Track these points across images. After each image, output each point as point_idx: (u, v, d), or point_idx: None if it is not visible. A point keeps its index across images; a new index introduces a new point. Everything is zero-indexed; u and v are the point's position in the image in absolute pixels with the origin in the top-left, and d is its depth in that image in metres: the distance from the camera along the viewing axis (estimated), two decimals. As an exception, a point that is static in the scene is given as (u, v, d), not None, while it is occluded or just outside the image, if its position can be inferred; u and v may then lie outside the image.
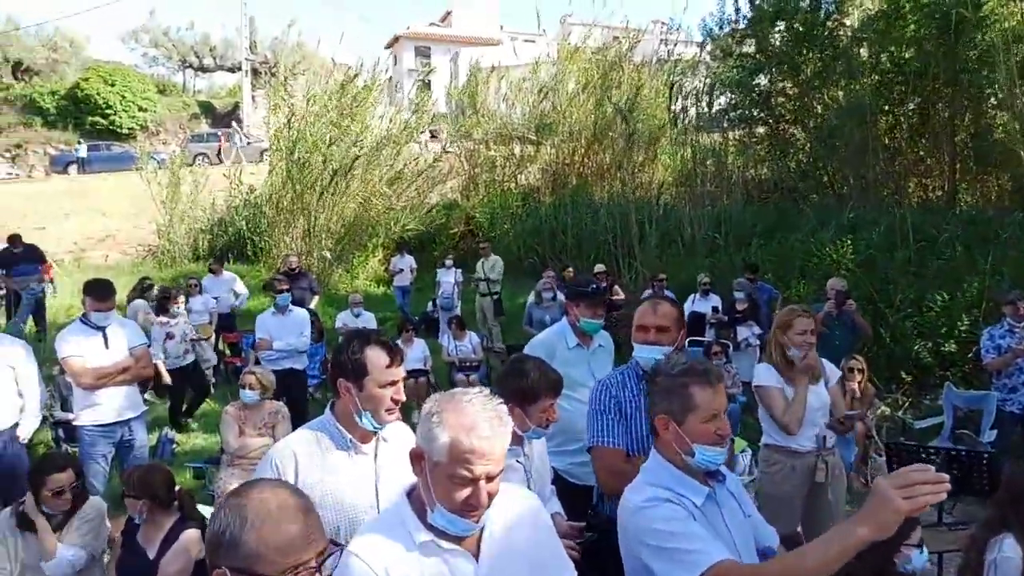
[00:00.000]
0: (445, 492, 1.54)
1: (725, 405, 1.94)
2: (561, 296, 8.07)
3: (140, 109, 30.20)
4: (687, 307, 8.88)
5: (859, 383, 5.85)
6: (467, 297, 11.41)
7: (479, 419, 1.53)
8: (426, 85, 19.13)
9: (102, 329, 4.61)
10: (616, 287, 10.22)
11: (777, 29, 13.00)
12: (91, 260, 16.53)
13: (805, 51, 12.54)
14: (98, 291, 4.63)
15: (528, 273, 12.94)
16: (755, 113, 13.90)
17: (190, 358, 7.55)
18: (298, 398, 6.67)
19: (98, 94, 29.15)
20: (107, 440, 4.67)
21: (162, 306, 7.67)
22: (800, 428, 3.41)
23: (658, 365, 2.07)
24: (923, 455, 4.39)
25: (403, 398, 2.18)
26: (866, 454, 6.00)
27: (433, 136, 19.41)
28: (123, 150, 25.06)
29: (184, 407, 7.60)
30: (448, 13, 48.47)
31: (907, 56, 11.57)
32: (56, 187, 19.87)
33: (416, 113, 16.23)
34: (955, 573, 3.08)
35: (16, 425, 4.43)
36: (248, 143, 24.86)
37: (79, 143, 26.32)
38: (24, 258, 10.11)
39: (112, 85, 29.53)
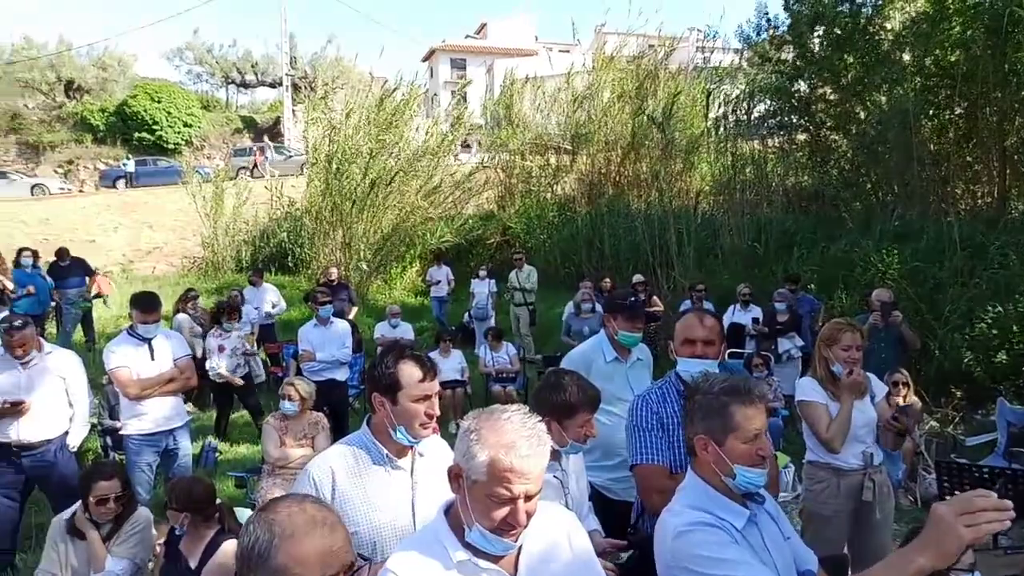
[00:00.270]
0: (483, 511, 1.54)
1: (765, 424, 1.90)
2: (600, 307, 8.04)
3: (185, 125, 31.02)
4: (727, 318, 8.76)
5: (904, 397, 5.68)
6: (502, 307, 11.44)
7: (518, 438, 1.52)
8: (463, 98, 19.29)
9: (148, 341, 4.73)
10: (655, 298, 10.14)
11: (816, 34, 12.79)
12: (139, 272, 17.02)
13: (845, 56, 12.31)
14: (144, 304, 4.76)
15: (564, 283, 12.92)
16: (795, 120, 13.67)
17: (242, 372, 7.63)
18: (339, 408, 6.76)
19: (145, 111, 30.04)
20: (152, 449, 4.78)
21: (216, 319, 7.82)
22: (844, 446, 3.31)
23: (696, 383, 2.02)
24: (976, 474, 4.22)
25: (437, 412, 2.17)
26: (915, 471, 5.82)
27: (466, 146, 19.52)
28: (169, 165, 25.74)
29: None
30: (483, 25, 48.91)
31: (953, 59, 11.27)
32: (105, 201, 20.49)
33: (453, 126, 16.35)
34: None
35: (66, 433, 4.56)
36: (289, 156, 25.32)
37: (127, 158, 27.12)
38: (72, 271, 10.41)
39: (158, 102, 30.41)
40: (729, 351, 8.31)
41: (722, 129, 14.17)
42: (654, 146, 15.11)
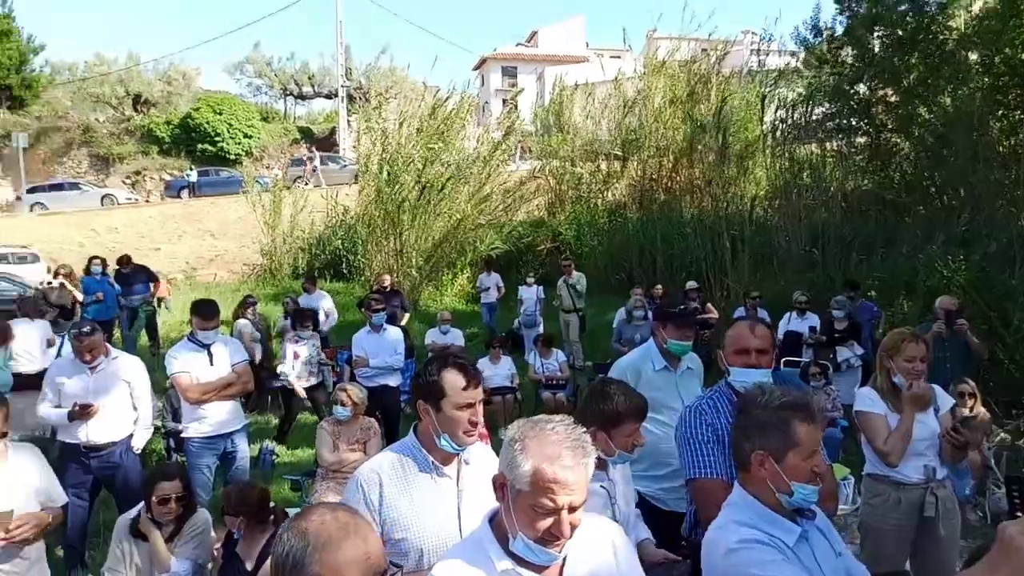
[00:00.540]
0: (527, 521, 1.54)
1: (820, 439, 1.85)
2: (651, 314, 7.96)
3: (245, 136, 31.98)
4: (782, 326, 8.57)
5: (971, 408, 5.45)
6: (551, 314, 11.42)
7: (562, 448, 1.52)
8: (514, 106, 19.38)
9: (207, 347, 4.88)
10: (708, 305, 9.99)
11: (876, 35, 12.43)
12: (201, 279, 17.58)
13: (907, 56, 11.92)
14: (203, 311, 4.92)
15: (615, 290, 12.83)
16: (854, 122, 13.31)
17: (313, 380, 7.67)
18: (391, 413, 6.84)
19: (207, 123, 31.09)
20: (211, 451, 4.92)
21: (293, 326, 7.99)
22: (902, 460, 3.19)
23: (751, 397, 1.96)
24: (1048, 490, 4.03)
25: (480, 420, 2.17)
26: (983, 486, 5.57)
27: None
28: (230, 175, 26.50)
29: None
30: (534, 33, 49.09)
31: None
32: (170, 211, 21.27)
33: (506, 135, 16.40)
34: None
35: (131, 436, 4.73)
36: (344, 166, 25.82)
37: (190, 169, 28.10)
38: (135, 278, 10.83)
39: (220, 114, 31.45)
40: (785, 360, 8.13)
41: (779, 133, 13.88)
42: (708, 151, 14.90)
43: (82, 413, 4.41)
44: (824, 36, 13.72)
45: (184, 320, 11.82)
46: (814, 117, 13.68)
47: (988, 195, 11.00)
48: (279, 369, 7.58)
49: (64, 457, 4.54)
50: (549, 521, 1.52)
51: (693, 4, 46.62)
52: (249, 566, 3.30)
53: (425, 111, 15.27)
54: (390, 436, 6.03)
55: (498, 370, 8.23)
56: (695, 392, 3.42)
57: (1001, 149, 11.39)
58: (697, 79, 16.01)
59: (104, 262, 10.50)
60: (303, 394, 7.54)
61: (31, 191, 24.81)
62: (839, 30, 13.20)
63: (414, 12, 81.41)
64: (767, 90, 14.58)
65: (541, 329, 10.58)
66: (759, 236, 12.31)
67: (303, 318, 7.91)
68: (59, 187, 25.38)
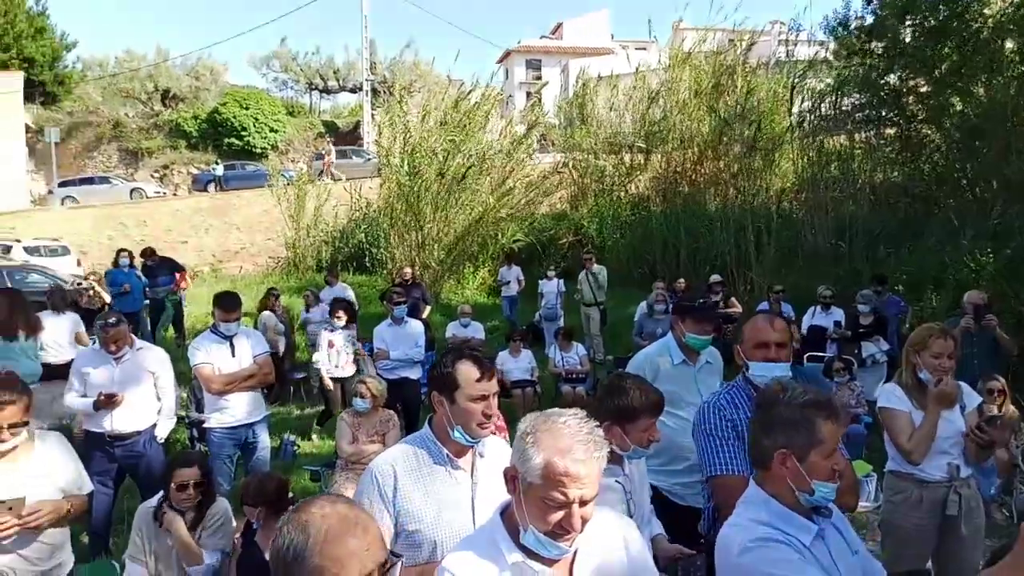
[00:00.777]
0: (538, 514, 1.53)
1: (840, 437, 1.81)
2: (672, 308, 7.89)
3: (271, 130, 32.24)
4: (806, 320, 8.46)
5: (1000, 406, 5.33)
6: (572, 307, 11.38)
7: (574, 442, 1.52)
8: (538, 100, 19.28)
9: (229, 338, 4.94)
10: (732, 299, 9.90)
11: (908, 24, 12.16)
12: (227, 272, 17.80)
13: (939, 46, 11.65)
14: (225, 303, 4.99)
15: (636, 284, 12.75)
16: (884, 113, 13.05)
17: (349, 371, 7.65)
18: (411, 405, 6.88)
19: (234, 117, 31.39)
20: (233, 442, 4.99)
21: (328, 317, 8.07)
22: (925, 458, 3.12)
23: (772, 393, 1.92)
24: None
25: (495, 412, 2.15)
26: (1011, 485, 5.45)
27: (541, 144, 19.44)
28: (256, 169, 26.72)
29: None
30: (559, 25, 48.86)
31: (1061, 45, 10.52)
32: (197, 204, 21.52)
33: (530, 129, 16.32)
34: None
35: (155, 425, 4.81)
36: (368, 159, 25.92)
37: (216, 163, 28.40)
38: (159, 270, 11.00)
39: (246, 108, 31.72)
40: (809, 355, 8.02)
41: (806, 124, 13.66)
42: (733, 143, 14.70)
43: (107, 402, 4.50)
44: (854, 27, 13.45)
45: (208, 311, 12.02)
46: (843, 108, 13.45)
47: (1022, 187, 10.73)
48: (314, 357, 7.61)
49: (89, 446, 4.62)
50: (560, 514, 1.51)
51: (719, -5, 46.08)
52: (268, 556, 3.32)
53: (448, 104, 15.26)
54: (410, 429, 6.05)
55: (518, 363, 8.23)
56: (713, 387, 3.39)
57: (1036, 140, 11.09)
58: (723, 70, 15.76)
59: (131, 255, 10.70)
60: (330, 385, 7.56)
61: (62, 185, 25.26)
62: (869, 19, 12.93)
63: (439, 5, 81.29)
64: (795, 81, 14.34)
65: (562, 322, 10.56)
66: (785, 230, 12.16)
67: (335, 308, 7.97)
68: (89, 181, 25.83)
